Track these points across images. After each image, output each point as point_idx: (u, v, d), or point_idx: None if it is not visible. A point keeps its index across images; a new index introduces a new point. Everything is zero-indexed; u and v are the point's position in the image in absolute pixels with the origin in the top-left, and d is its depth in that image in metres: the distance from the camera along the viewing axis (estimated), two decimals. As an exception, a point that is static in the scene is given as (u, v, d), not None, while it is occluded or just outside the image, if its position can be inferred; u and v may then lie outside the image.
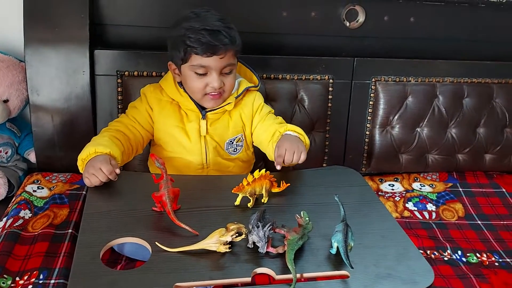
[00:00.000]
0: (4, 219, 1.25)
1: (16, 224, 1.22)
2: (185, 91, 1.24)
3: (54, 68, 1.41)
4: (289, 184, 1.11)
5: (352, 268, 0.86)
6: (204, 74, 1.17)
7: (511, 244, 1.44)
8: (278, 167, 1.11)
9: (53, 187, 1.40)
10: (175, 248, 0.89)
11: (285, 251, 0.89)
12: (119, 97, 1.47)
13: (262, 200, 1.08)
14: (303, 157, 1.11)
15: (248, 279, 0.86)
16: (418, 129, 1.70)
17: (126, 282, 0.82)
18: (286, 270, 0.87)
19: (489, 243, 1.44)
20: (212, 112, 1.25)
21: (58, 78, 1.42)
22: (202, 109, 1.25)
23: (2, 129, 1.48)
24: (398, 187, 1.69)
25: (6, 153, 1.50)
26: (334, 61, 1.61)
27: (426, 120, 1.68)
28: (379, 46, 1.67)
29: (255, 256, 0.90)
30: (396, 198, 1.62)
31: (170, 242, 0.90)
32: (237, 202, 1.05)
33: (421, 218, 1.54)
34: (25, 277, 1.08)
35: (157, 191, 0.97)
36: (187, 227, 0.93)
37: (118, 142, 1.16)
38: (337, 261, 0.91)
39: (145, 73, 1.47)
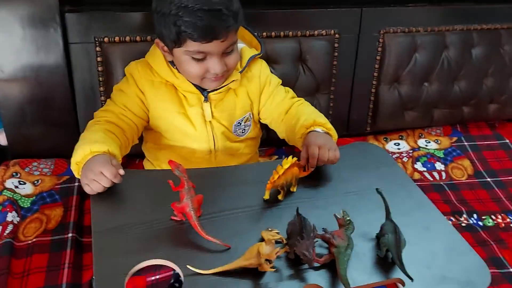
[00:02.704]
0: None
1: (7, 232, 1.05)
2: (180, 71, 1.04)
3: (19, 38, 1.17)
4: (314, 167, 1.00)
5: (412, 280, 0.77)
6: (203, 59, 0.98)
7: (521, 201, 1.43)
8: (311, 169, 0.98)
9: (37, 181, 1.21)
10: (209, 270, 0.77)
11: (331, 260, 0.80)
12: (100, 68, 1.26)
13: (291, 189, 0.97)
14: (338, 155, 0.98)
15: (297, 299, 0.76)
16: (426, 84, 1.59)
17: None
18: (335, 283, 0.78)
19: (501, 202, 1.42)
20: (215, 92, 1.08)
21: (25, 50, 1.19)
22: (202, 89, 1.07)
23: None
24: (404, 145, 1.61)
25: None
26: (340, 12, 1.43)
27: (435, 73, 1.57)
28: (386, -7, 1.51)
29: (299, 270, 0.80)
30: (404, 159, 1.55)
31: (201, 261, 0.78)
32: (266, 196, 0.93)
33: (432, 179, 1.48)
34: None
35: (177, 199, 0.83)
36: (217, 241, 0.81)
37: (113, 136, 0.99)
38: (386, 265, 0.82)
39: (128, 38, 1.25)
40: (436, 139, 1.64)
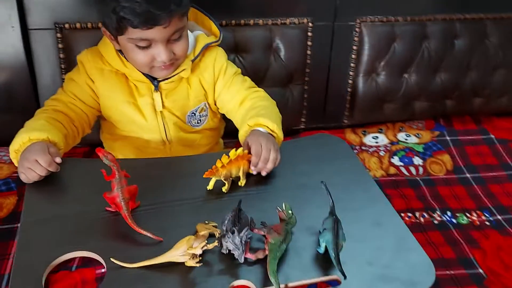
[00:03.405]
0: None
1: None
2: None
3: (-26, 24, 1.16)
4: (255, 166, 0.95)
5: (345, 278, 0.74)
6: (148, 47, 0.94)
7: (501, 198, 1.37)
8: (255, 171, 0.92)
9: (-5, 169, 1.20)
10: (134, 264, 0.74)
11: (266, 255, 0.76)
12: (61, 55, 1.23)
13: (239, 183, 0.93)
14: (279, 157, 0.93)
15: (224, 295, 0.73)
16: (406, 75, 1.54)
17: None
18: (268, 281, 0.74)
19: (479, 199, 1.36)
20: (166, 81, 1.04)
21: (-18, 36, 1.17)
22: (153, 79, 1.03)
23: None
24: (382, 139, 1.56)
25: None
26: (314, 0, 1.38)
27: (415, 64, 1.52)
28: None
29: (231, 265, 0.76)
30: (380, 153, 1.50)
31: (129, 254, 0.75)
32: (210, 187, 0.90)
33: (408, 174, 1.43)
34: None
35: (109, 189, 0.80)
36: (148, 234, 0.78)
37: (58, 124, 0.96)
38: (325, 262, 0.79)
39: (89, 25, 1.22)
40: (417, 133, 1.59)
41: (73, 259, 1.01)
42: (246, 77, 1.12)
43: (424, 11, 1.48)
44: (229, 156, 0.90)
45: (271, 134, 0.97)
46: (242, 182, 0.93)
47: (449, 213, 1.30)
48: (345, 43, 1.45)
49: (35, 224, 0.80)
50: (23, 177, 0.87)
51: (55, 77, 1.25)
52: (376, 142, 1.55)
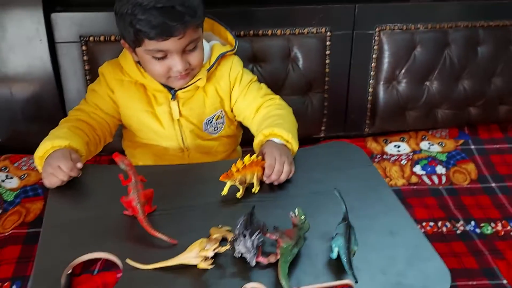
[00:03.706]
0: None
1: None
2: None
3: (6, 38, 1.22)
4: (268, 177, 0.95)
5: (356, 282, 0.73)
6: (164, 57, 0.98)
7: (527, 208, 1.33)
8: (268, 181, 0.93)
9: (24, 175, 1.25)
10: (149, 265, 0.76)
11: (278, 260, 0.77)
12: (86, 67, 1.29)
13: (253, 190, 0.94)
14: (292, 170, 0.94)
15: (236, 298, 0.74)
16: (428, 83, 1.52)
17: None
18: (280, 284, 0.74)
19: (504, 208, 1.33)
20: (183, 90, 1.07)
21: (12, 49, 1.23)
22: (170, 88, 1.07)
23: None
24: (404, 148, 1.54)
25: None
26: (332, 9, 1.39)
27: (436, 72, 1.50)
28: (383, -11, 1.45)
29: (243, 268, 0.77)
30: (402, 162, 1.48)
31: (145, 256, 0.77)
32: (225, 192, 0.91)
33: (430, 183, 1.41)
34: (-4, 290, 0.98)
35: (127, 195, 0.83)
36: (163, 237, 0.80)
37: (81, 132, 1.00)
38: (338, 267, 0.78)
39: (113, 38, 1.27)
40: (440, 142, 1.56)
41: (95, 263, 1.05)
42: (262, 84, 1.14)
43: (445, 19, 1.46)
44: (243, 162, 0.91)
45: (285, 145, 0.97)
46: (256, 189, 0.94)
47: (473, 223, 1.27)
48: (364, 51, 1.45)
49: (56, 227, 0.84)
50: (46, 183, 0.90)
51: (80, 88, 1.30)
52: (398, 151, 1.53)
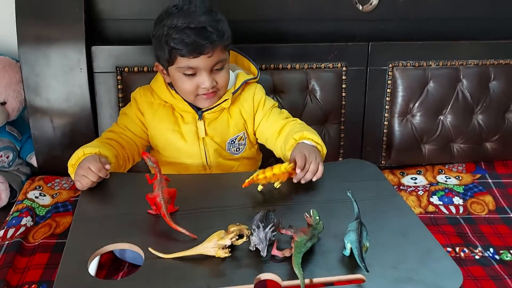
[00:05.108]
0: (5, 228, 1.19)
1: (18, 233, 1.17)
2: (177, 93, 1.15)
3: (51, 66, 1.35)
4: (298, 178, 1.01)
5: (367, 271, 0.76)
6: (194, 75, 1.08)
7: (548, 238, 1.31)
8: (296, 180, 1.00)
9: (56, 194, 1.34)
10: (170, 254, 0.80)
11: (292, 254, 0.80)
12: (120, 95, 1.40)
13: (275, 185, 1.00)
14: (321, 169, 1.00)
15: (251, 286, 0.77)
16: (441, 117, 1.58)
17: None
18: (293, 275, 0.77)
19: (524, 238, 1.32)
20: (209, 111, 1.16)
21: (54, 77, 1.36)
22: (197, 109, 1.16)
23: (1, 132, 1.43)
24: (421, 180, 1.57)
25: (7, 157, 1.44)
26: (347, 47, 1.50)
27: (449, 106, 1.56)
28: (395, 29, 1.56)
29: (258, 261, 0.81)
30: (419, 192, 1.50)
31: (166, 248, 0.82)
32: (245, 184, 0.96)
33: (448, 213, 1.42)
34: (24, 291, 1.02)
35: (152, 192, 0.89)
36: (184, 231, 0.85)
37: (109, 146, 1.09)
38: (351, 263, 0.81)
39: (145, 69, 1.39)
40: (457, 176, 1.58)
41: (118, 272, 1.09)
42: (283, 110, 1.23)
43: (456, 57, 1.54)
44: (273, 170, 0.97)
45: (315, 146, 1.05)
46: (277, 185, 1.00)
47: (491, 250, 1.26)
48: (378, 85, 1.53)
49: (84, 221, 0.90)
50: (78, 185, 0.98)
51: (113, 114, 1.41)
52: (415, 183, 1.56)
